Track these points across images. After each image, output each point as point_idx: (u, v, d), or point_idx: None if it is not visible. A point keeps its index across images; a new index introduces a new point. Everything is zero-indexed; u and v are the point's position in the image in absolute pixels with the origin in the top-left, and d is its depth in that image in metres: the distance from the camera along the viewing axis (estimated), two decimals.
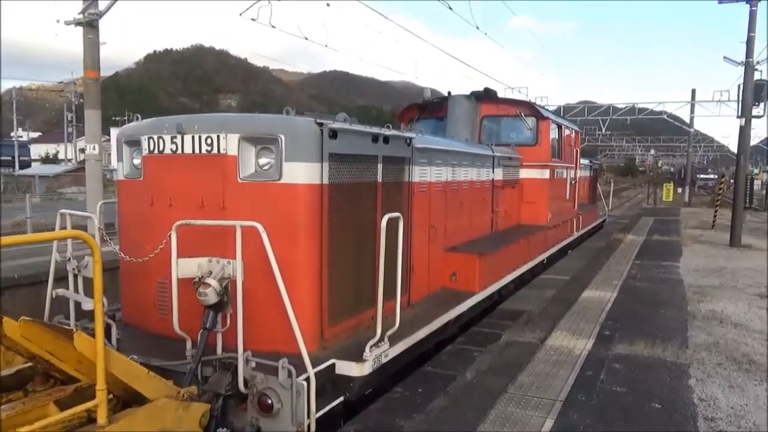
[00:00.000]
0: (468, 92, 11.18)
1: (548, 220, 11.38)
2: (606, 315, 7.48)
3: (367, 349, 4.75)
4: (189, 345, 4.66)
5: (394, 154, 6.03)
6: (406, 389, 4.98)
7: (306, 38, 15.19)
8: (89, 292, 5.25)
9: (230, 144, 4.95)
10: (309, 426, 4.24)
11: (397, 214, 4.98)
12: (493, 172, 9.45)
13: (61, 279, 5.53)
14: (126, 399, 3.32)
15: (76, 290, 5.27)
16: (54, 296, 5.38)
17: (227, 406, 4.42)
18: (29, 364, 3.80)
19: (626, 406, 4.63)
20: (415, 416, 4.39)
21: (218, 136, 4.99)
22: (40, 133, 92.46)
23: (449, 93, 11.26)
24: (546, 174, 11.24)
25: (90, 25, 13.88)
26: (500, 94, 12.08)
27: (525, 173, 10.99)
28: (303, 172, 4.86)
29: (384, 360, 4.97)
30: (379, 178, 5.78)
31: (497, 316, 7.56)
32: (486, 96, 11.23)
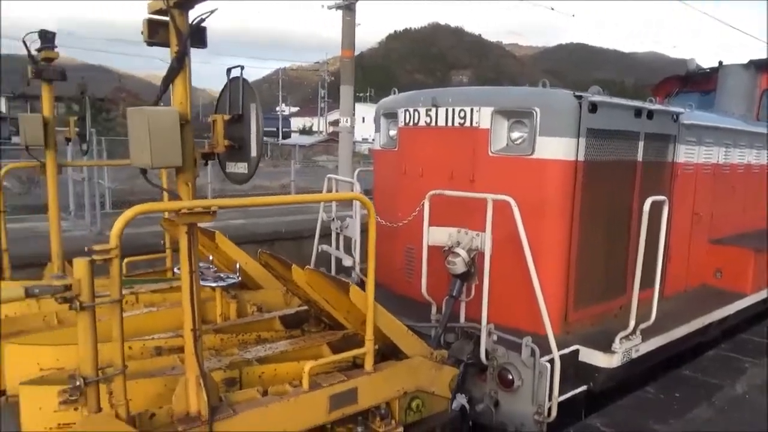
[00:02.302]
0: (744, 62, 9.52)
1: None
2: None
3: (617, 340, 4.43)
4: (434, 310, 4.88)
5: (657, 131, 5.43)
6: (660, 391, 4.52)
7: (552, 9, 14.51)
8: (348, 250, 5.83)
9: (483, 117, 4.95)
10: (550, 409, 4.13)
11: (662, 197, 4.50)
12: None
13: (322, 236, 6.23)
14: (384, 351, 3.58)
15: (337, 247, 5.88)
16: (319, 251, 6.09)
17: (467, 374, 4.53)
18: (304, 307, 4.36)
19: None
20: (672, 422, 3.96)
21: (471, 110, 5.03)
22: (298, 108, 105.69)
23: (720, 63, 9.72)
24: None
25: (348, 8, 15.19)
26: None
27: None
28: (557, 148, 4.64)
29: (634, 355, 4.58)
30: (640, 157, 5.26)
31: None
32: None
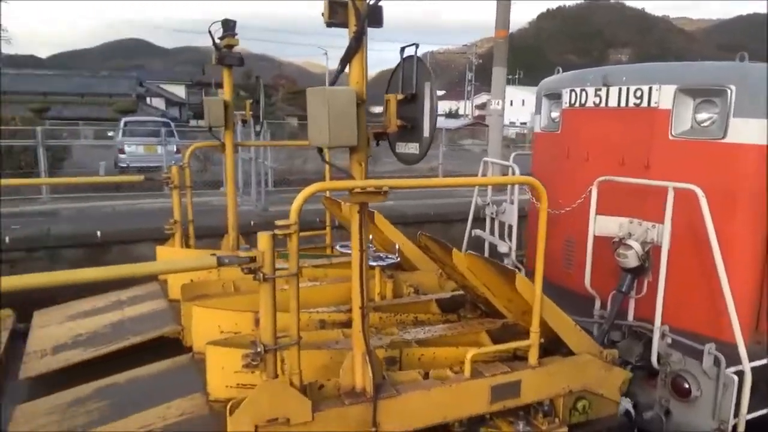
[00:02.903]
0: None
1: None
2: None
3: None
4: (597, 304, 4.56)
5: None
6: None
7: None
8: (503, 236, 5.65)
9: (663, 96, 4.48)
10: (735, 426, 3.66)
11: None
12: None
13: (474, 220, 6.10)
14: (545, 346, 3.39)
15: (491, 233, 5.72)
16: (472, 235, 5.97)
17: (634, 377, 4.17)
18: (460, 291, 4.28)
19: None
20: None
21: (650, 88, 4.57)
22: (444, 92, 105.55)
23: None
24: None
25: None
26: None
27: None
28: (757, 131, 4.05)
29: None
30: None
31: None
32: None
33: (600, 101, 5.01)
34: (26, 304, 4.80)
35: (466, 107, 71.73)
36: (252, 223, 8.62)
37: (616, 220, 4.36)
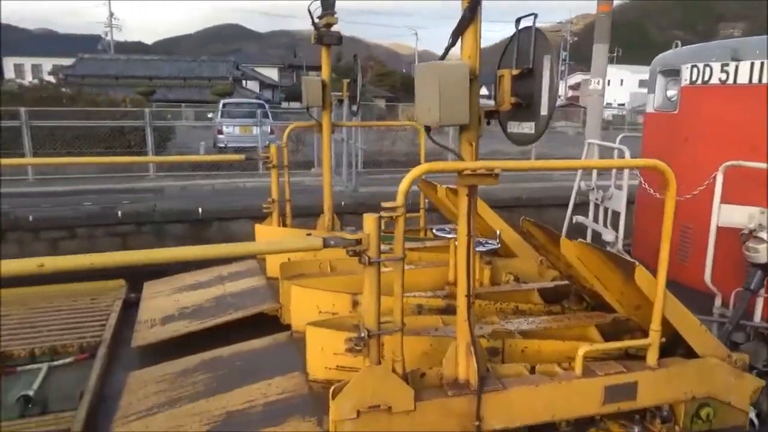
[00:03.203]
0: None
1: None
2: None
3: None
4: (717, 302, 4.16)
5: None
6: None
7: None
8: (607, 224, 5.30)
9: None
10: None
11: None
12: None
13: (576, 206, 5.76)
14: (662, 347, 3.10)
15: (595, 220, 5.39)
16: (573, 222, 5.66)
17: None
18: (564, 281, 4.04)
19: None
20: None
21: None
22: None
23: None
24: None
25: None
26: None
27: None
28: None
29: None
30: None
31: None
32: None
33: (727, 78, 4.55)
34: (137, 275, 5.09)
35: (559, 87, 68.81)
36: (343, 203, 8.68)
37: (746, 210, 3.94)
